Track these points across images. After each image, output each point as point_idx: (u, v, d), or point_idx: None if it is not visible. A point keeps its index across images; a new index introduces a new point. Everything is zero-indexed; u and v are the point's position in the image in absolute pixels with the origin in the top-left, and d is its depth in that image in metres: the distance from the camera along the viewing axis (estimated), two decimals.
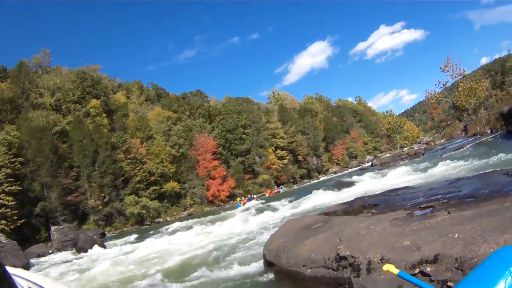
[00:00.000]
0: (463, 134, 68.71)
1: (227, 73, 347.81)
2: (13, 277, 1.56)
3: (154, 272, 13.08)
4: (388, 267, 2.35)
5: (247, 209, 36.32)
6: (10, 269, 1.57)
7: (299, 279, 7.36)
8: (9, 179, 43.58)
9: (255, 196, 53.67)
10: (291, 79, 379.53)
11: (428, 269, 4.56)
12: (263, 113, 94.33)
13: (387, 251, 5.39)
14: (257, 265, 10.27)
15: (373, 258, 5.48)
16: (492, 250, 4.19)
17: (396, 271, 2.29)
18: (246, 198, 51.56)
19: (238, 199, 54.74)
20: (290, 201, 30.81)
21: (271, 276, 8.78)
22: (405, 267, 4.82)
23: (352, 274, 5.74)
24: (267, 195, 53.18)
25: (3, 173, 43.30)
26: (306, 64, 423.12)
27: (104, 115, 67.96)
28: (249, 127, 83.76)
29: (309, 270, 7.15)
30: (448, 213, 6.16)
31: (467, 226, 4.98)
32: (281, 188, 73.97)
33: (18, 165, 46.27)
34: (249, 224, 21.83)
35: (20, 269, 1.99)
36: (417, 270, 4.70)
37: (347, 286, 5.87)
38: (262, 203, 39.77)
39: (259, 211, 29.39)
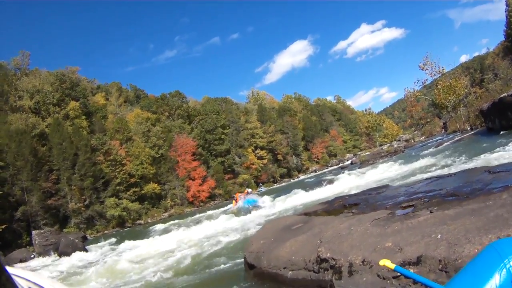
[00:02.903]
0: (442, 131, 69.28)
1: (207, 73, 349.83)
2: (13, 277, 1.44)
3: (133, 277, 12.84)
4: (385, 262, 2.33)
5: (228, 209, 35.80)
6: (10, 269, 1.49)
7: (280, 282, 7.19)
8: None
9: (250, 190, 41.40)
10: (271, 79, 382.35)
11: (411, 271, 4.41)
12: (242, 113, 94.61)
13: (368, 253, 5.25)
14: (238, 268, 10.11)
15: (355, 260, 5.34)
16: (476, 251, 4.09)
17: (392, 266, 2.25)
18: (243, 194, 37.69)
19: (234, 201, 38.04)
20: (271, 201, 30.60)
21: (252, 278, 8.60)
22: (388, 269, 4.69)
23: (334, 276, 5.59)
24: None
25: None
26: (287, 63, 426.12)
27: (83, 117, 67.33)
28: (228, 127, 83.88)
29: (290, 272, 6.99)
30: (430, 212, 6.03)
31: (450, 226, 4.87)
32: (260, 187, 72.94)
33: None
34: (229, 225, 21.57)
35: (20, 269, 1.89)
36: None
37: None
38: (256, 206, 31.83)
39: (239, 211, 29.23)
